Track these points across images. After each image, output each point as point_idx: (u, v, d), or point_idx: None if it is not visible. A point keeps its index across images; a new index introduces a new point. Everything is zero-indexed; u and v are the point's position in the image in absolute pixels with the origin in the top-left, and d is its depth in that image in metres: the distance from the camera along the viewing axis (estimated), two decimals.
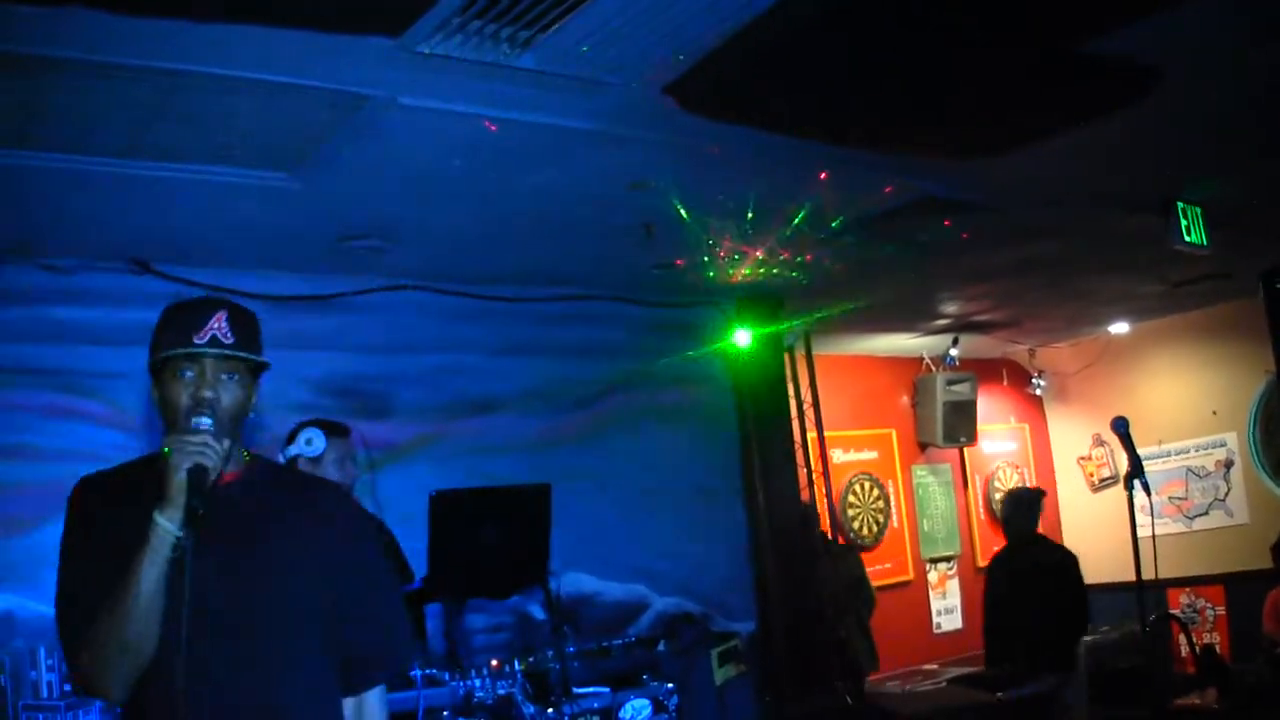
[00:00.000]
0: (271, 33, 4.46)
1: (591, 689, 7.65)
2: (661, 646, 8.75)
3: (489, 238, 7.59)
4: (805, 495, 10.85)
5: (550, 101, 5.47)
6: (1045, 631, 10.83)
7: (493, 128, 5.68)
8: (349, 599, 3.91)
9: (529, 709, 7.02)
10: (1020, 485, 10.91)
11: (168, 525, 3.41)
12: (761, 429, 10.39)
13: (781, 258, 8.69)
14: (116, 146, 5.43)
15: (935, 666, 12.91)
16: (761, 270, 9.01)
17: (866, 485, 13.50)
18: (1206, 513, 14.08)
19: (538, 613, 8.40)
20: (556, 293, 9.02)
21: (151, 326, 3.56)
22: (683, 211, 7.32)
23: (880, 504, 13.60)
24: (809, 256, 8.74)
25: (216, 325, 3.62)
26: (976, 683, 11.66)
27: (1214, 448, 14.03)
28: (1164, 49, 5.69)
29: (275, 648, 3.67)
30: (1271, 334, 11.01)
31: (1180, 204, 8.35)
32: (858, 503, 13.31)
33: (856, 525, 13.17)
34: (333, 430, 6.22)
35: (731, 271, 8.95)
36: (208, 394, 3.59)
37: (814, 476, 11.16)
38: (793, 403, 11.03)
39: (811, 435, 11.27)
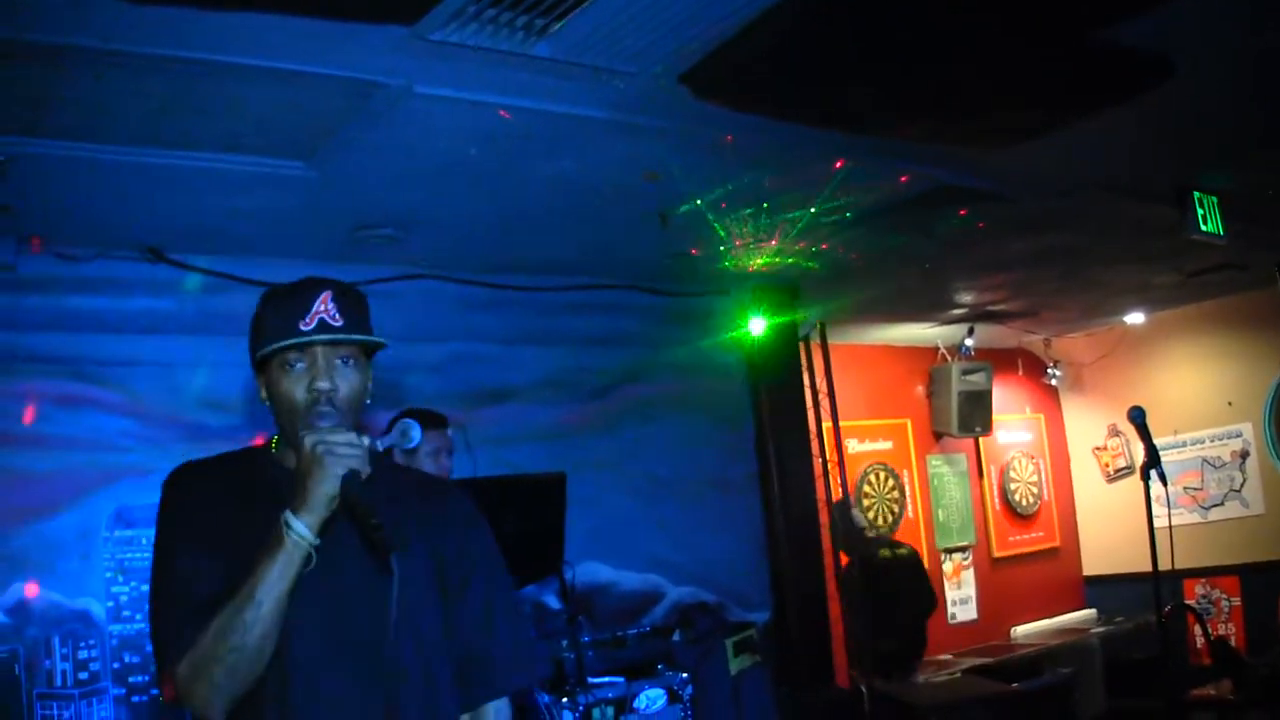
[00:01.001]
0: (286, 21, 4.46)
1: (606, 678, 7.66)
2: (676, 636, 8.76)
3: (504, 227, 7.59)
4: (820, 486, 10.84)
5: (565, 90, 5.46)
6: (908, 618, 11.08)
7: (507, 116, 5.67)
8: (474, 607, 3.69)
9: (544, 698, 7.03)
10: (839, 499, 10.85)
11: (304, 532, 3.16)
12: (777, 419, 10.38)
13: (797, 247, 8.67)
14: (132, 135, 5.43)
15: (950, 657, 12.92)
16: (776, 259, 8.99)
17: (882, 475, 13.47)
18: (1222, 503, 14.06)
19: (553, 602, 8.40)
20: (571, 282, 9.00)
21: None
22: (698, 200, 7.32)
23: (895, 494, 13.58)
24: (824, 246, 8.72)
25: (323, 308, 3.40)
26: (992, 673, 11.67)
27: (1230, 438, 14.01)
28: (1177, 38, 5.68)
29: (401, 667, 3.40)
30: None
31: (1196, 194, 8.33)
32: (873, 493, 13.29)
33: (871, 515, 13.12)
34: (429, 421, 6.11)
35: (747, 261, 8.93)
36: (323, 385, 3.36)
37: (829, 467, 11.15)
38: (808, 392, 11.01)
39: (827, 425, 11.26)
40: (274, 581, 3.13)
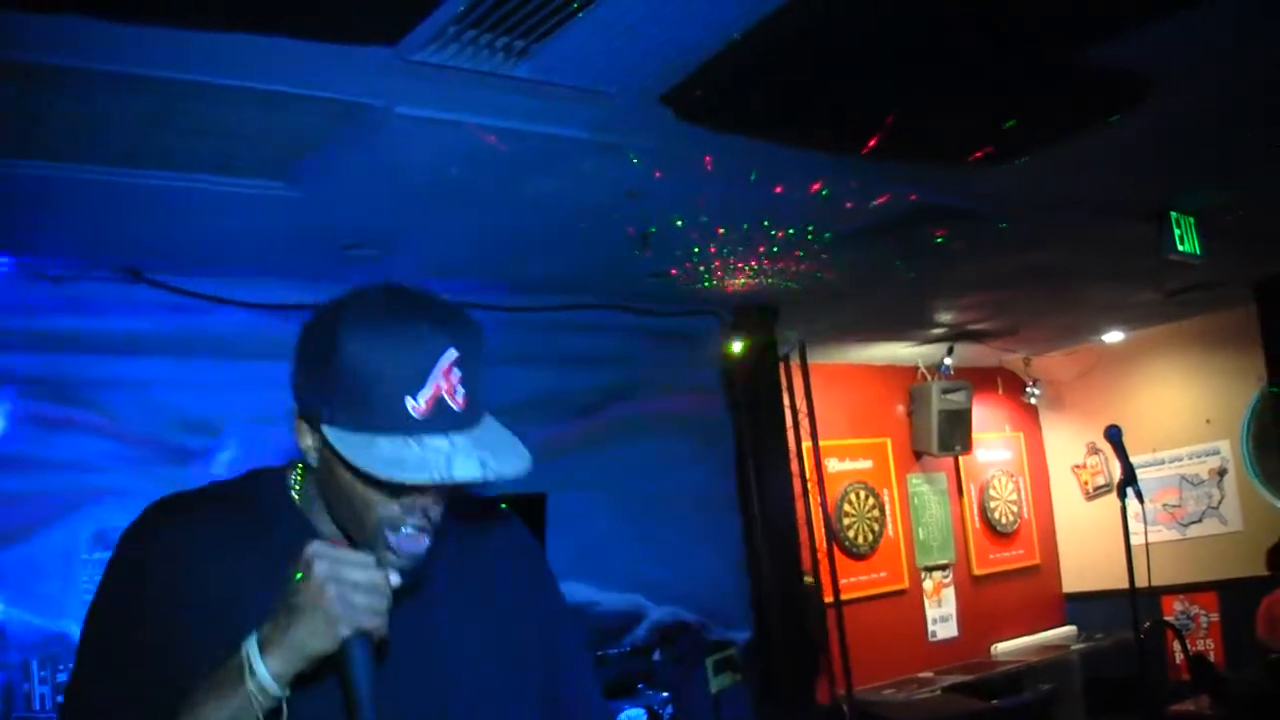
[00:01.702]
0: (269, 41, 4.45)
1: None
2: (657, 656, 8.76)
3: (486, 246, 7.59)
4: (800, 505, 10.85)
5: (547, 111, 5.46)
6: None
7: (490, 138, 5.67)
8: (569, 711, 2.78)
9: None
10: None
11: (270, 686, 2.18)
12: (757, 438, 10.38)
13: (777, 267, 8.69)
14: (114, 155, 5.41)
15: (931, 675, 12.99)
16: (757, 279, 9.00)
17: (862, 494, 13.49)
18: (1200, 520, 14.14)
19: None
20: (553, 301, 8.99)
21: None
22: (679, 221, 7.33)
23: (875, 513, 13.59)
24: (804, 266, 8.74)
25: (444, 382, 2.23)
26: (973, 690, 11.71)
27: (1208, 456, 14.09)
28: (1156, 59, 5.70)
29: None
30: (1264, 343, 11.05)
31: (1174, 214, 8.37)
32: (853, 512, 13.30)
33: (852, 534, 13.17)
34: None
35: (727, 281, 8.95)
36: (437, 512, 2.35)
37: (809, 486, 11.17)
38: (788, 412, 11.02)
39: (807, 444, 11.28)
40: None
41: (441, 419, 2.23)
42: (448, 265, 7.90)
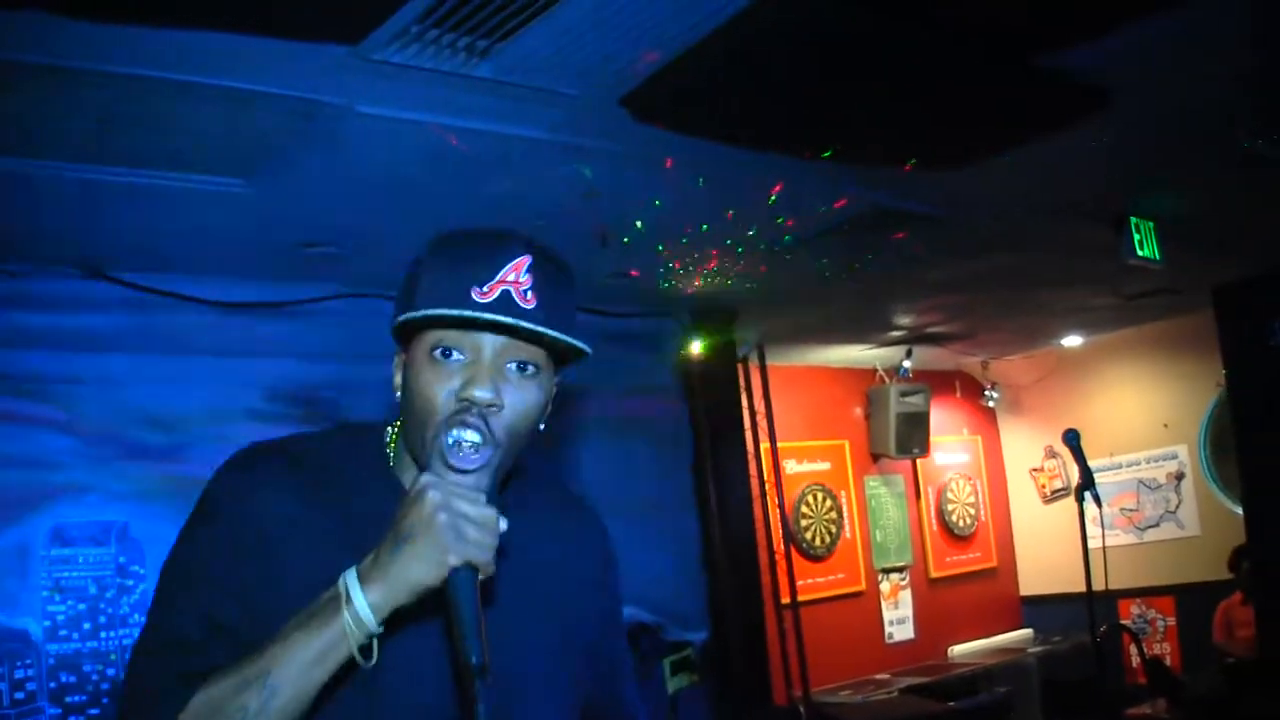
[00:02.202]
0: (230, 39, 4.45)
1: None
2: None
3: None
4: (758, 506, 10.88)
5: (507, 111, 5.47)
6: None
7: (450, 138, 5.68)
8: (601, 671, 2.88)
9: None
10: None
11: (368, 617, 2.16)
12: (715, 439, 10.40)
13: (735, 269, 8.70)
14: (73, 151, 5.41)
15: (888, 676, 13.01)
16: (715, 281, 9.02)
17: (819, 496, 13.51)
18: (1158, 524, 14.20)
19: None
20: None
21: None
22: (638, 222, 7.34)
23: (833, 515, 13.62)
24: (763, 268, 8.75)
25: (513, 277, 2.36)
26: (929, 692, 11.74)
27: (1165, 460, 14.15)
28: (1116, 66, 5.73)
29: None
30: (1222, 348, 11.10)
31: (1133, 219, 8.41)
32: (810, 514, 13.32)
33: (809, 536, 13.18)
34: None
35: (686, 282, 8.96)
36: (482, 393, 2.33)
37: (767, 487, 11.20)
38: (746, 414, 11.06)
39: (765, 446, 11.32)
40: (303, 667, 2.17)
41: (505, 308, 2.33)
42: (406, 264, 7.88)
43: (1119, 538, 14.03)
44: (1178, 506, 14.08)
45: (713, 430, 10.40)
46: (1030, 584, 15.62)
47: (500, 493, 2.36)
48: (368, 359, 8.35)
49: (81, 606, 6.93)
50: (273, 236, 7.00)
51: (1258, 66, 5.95)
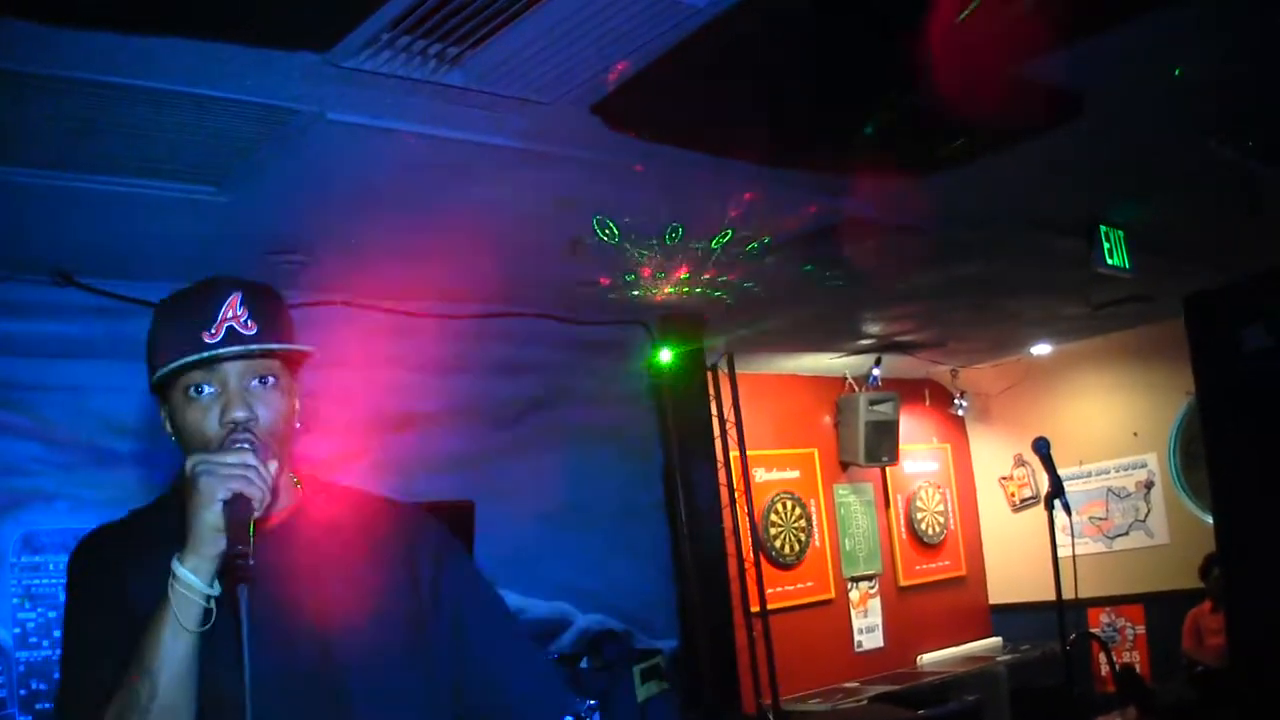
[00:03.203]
0: (200, 46, 4.45)
1: None
2: (584, 663, 8.77)
3: (415, 254, 7.57)
4: (727, 514, 10.89)
5: (477, 119, 5.47)
6: None
7: (421, 145, 5.68)
8: (475, 657, 3.15)
9: None
10: None
11: (193, 580, 2.61)
12: (684, 447, 10.41)
13: (705, 276, 8.72)
14: (44, 159, 5.39)
15: (857, 684, 13.04)
16: (685, 289, 9.03)
17: (789, 504, 13.53)
18: (1127, 533, 14.26)
19: None
20: (481, 309, 9.00)
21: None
22: (608, 230, 7.35)
23: (802, 523, 13.63)
24: (733, 276, 8.77)
25: (230, 314, 2.85)
26: (898, 700, 11.75)
27: (1135, 469, 14.22)
28: (1089, 75, 5.76)
29: None
30: (1192, 357, 11.13)
31: (1103, 227, 8.44)
32: (780, 522, 13.34)
33: (778, 544, 13.20)
34: None
35: (655, 290, 8.97)
36: (239, 414, 2.80)
37: (736, 495, 11.21)
38: (715, 421, 11.07)
39: (734, 454, 11.32)
40: (167, 646, 2.60)
41: (233, 339, 2.84)
42: (376, 272, 7.89)
43: (1088, 546, 14.07)
44: (1147, 515, 14.14)
45: (681, 438, 10.41)
46: (999, 592, 15.67)
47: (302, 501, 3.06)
48: (334, 366, 8.41)
49: (52, 614, 6.92)
50: (243, 244, 6.98)
51: (1228, 76, 5.98)
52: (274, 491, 2.78)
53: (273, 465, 2.76)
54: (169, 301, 3.00)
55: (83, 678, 2.78)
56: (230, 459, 2.68)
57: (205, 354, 2.80)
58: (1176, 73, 5.85)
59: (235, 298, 2.88)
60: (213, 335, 2.82)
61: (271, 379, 2.90)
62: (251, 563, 2.57)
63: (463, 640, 3.14)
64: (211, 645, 2.65)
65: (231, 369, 2.85)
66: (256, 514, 2.68)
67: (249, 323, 2.86)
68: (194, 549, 2.63)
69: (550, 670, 3.68)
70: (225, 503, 2.63)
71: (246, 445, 2.74)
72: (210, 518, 2.62)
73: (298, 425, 3.01)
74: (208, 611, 2.63)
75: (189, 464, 2.69)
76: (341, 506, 3.18)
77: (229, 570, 2.60)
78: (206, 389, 2.83)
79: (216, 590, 2.64)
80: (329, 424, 8.02)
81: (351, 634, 2.90)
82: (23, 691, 6.85)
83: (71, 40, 4.28)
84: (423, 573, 3.12)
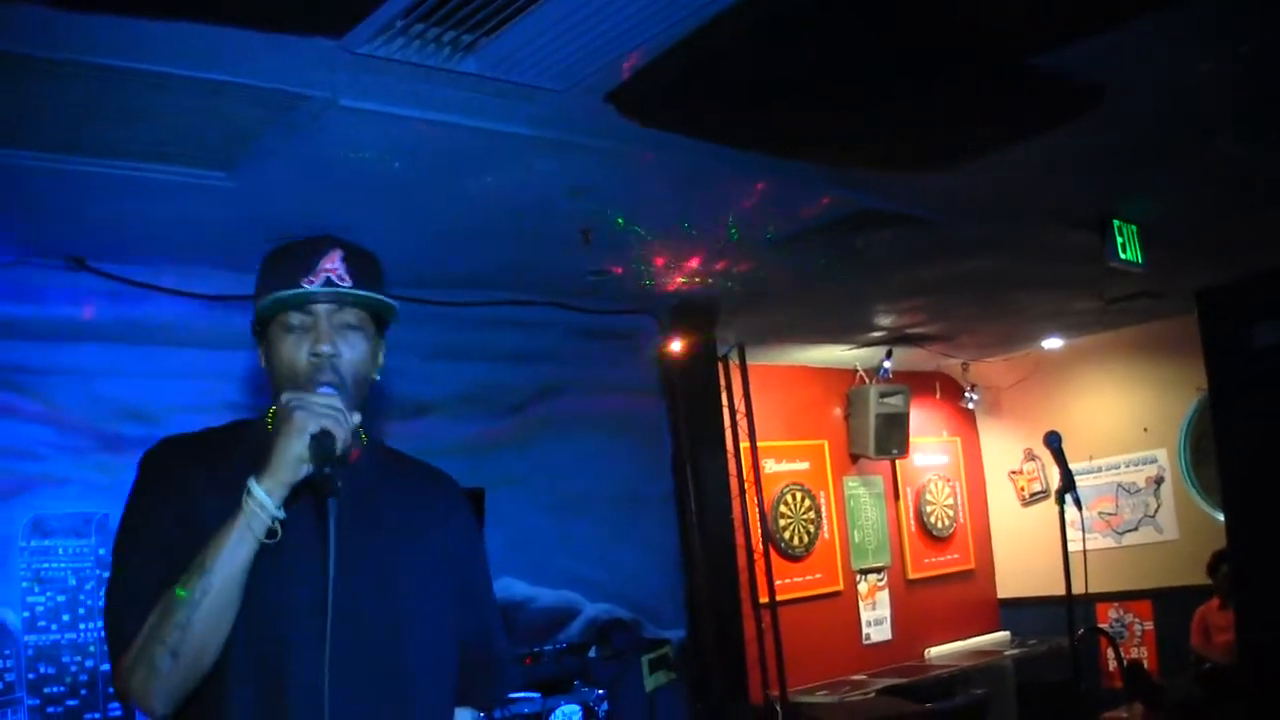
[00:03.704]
0: (212, 30, 4.44)
1: (523, 694, 7.66)
2: (592, 653, 8.77)
3: (426, 241, 7.57)
4: (736, 505, 10.88)
5: (492, 107, 5.46)
6: None
7: (434, 132, 5.66)
8: (476, 612, 3.50)
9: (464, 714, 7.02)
10: None
11: (265, 499, 2.87)
12: (694, 438, 10.40)
13: (717, 267, 8.70)
14: (54, 143, 5.39)
15: (864, 677, 13.02)
16: (697, 279, 9.02)
17: (798, 496, 13.52)
18: (1136, 528, 14.21)
19: None
20: (491, 297, 8.99)
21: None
22: (620, 219, 7.33)
23: (811, 515, 13.63)
24: (745, 266, 8.76)
25: (330, 266, 3.14)
26: (906, 693, 11.74)
27: (1145, 464, 14.16)
28: (1106, 67, 5.73)
29: (411, 670, 3.17)
30: (1204, 352, 11.10)
31: (1116, 221, 8.41)
32: (789, 513, 13.33)
33: (788, 536, 13.19)
34: None
35: (668, 279, 8.96)
36: (325, 348, 3.09)
37: (746, 486, 11.19)
38: (726, 412, 11.05)
39: (744, 445, 11.31)
40: (228, 552, 2.85)
41: (327, 286, 3.13)
42: (386, 259, 7.86)
43: (1097, 541, 14.02)
44: (1156, 510, 14.09)
45: (692, 428, 10.40)
46: (1008, 586, 15.64)
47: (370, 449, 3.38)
48: None
49: (61, 598, 6.92)
50: (253, 229, 6.92)
51: (1244, 71, 5.95)
52: (353, 433, 3.07)
53: (356, 416, 3.07)
54: (278, 250, 3.28)
55: (138, 565, 3.00)
56: (321, 398, 2.97)
57: (300, 291, 3.10)
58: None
59: (337, 254, 3.19)
60: (311, 281, 3.11)
61: (358, 327, 3.19)
62: (339, 484, 2.88)
63: (470, 596, 3.50)
64: (277, 560, 2.94)
65: (323, 309, 3.14)
66: (338, 452, 2.94)
67: (345, 277, 3.15)
68: (273, 473, 2.91)
69: (510, 652, 3.91)
70: (314, 436, 2.90)
71: (335, 391, 3.04)
72: (298, 447, 2.90)
73: (377, 377, 3.31)
74: (270, 531, 2.89)
75: (284, 398, 2.99)
76: (401, 463, 3.56)
77: (321, 485, 2.90)
78: (298, 324, 3.12)
79: (282, 514, 2.91)
80: None
81: (405, 572, 3.22)
82: (31, 675, 6.84)
83: (80, 23, 4.26)
84: (456, 534, 3.48)
